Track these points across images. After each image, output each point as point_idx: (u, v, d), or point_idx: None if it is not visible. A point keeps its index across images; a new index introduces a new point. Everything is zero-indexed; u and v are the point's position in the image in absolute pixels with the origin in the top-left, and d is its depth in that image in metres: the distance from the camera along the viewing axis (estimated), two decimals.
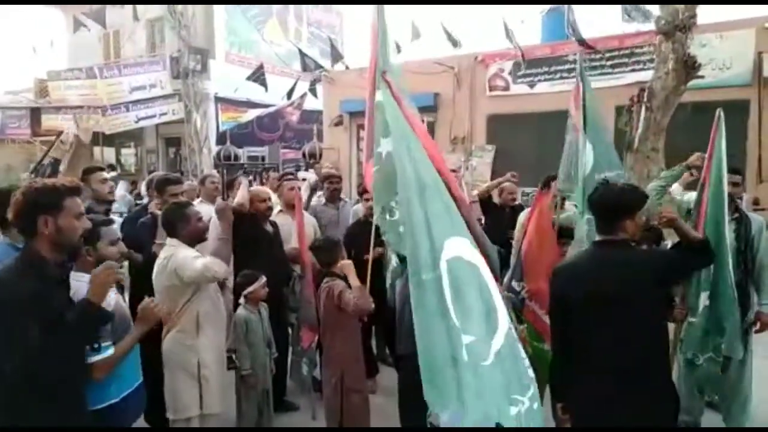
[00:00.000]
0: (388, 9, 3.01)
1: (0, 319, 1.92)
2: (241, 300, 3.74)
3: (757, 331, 3.61)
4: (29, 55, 25.04)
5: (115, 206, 8.61)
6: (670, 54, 5.76)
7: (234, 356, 3.65)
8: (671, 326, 3.22)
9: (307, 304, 3.86)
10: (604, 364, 2.34)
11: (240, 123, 15.64)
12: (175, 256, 3.04)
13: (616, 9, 9.27)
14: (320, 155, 11.67)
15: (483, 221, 5.47)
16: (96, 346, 2.24)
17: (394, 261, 3.42)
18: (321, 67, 13.38)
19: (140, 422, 2.87)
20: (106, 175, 4.17)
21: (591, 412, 2.38)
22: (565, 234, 3.75)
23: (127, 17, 15.65)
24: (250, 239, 3.90)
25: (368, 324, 4.13)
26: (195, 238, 3.19)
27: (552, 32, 10.95)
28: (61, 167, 15.35)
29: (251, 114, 15.56)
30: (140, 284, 3.45)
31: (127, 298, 3.18)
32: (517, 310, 3.48)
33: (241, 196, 4.05)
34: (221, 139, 14.66)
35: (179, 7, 15.56)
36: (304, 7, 19.32)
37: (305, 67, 13.04)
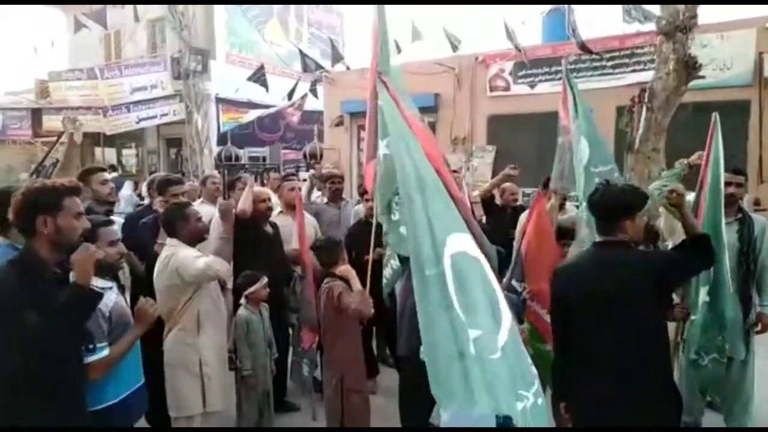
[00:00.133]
0: (389, 9, 3.02)
1: None
2: (242, 300, 3.74)
3: (758, 332, 3.60)
4: (30, 56, 25.04)
5: (120, 206, 8.56)
6: (670, 54, 5.74)
7: (235, 357, 3.65)
8: (672, 326, 3.22)
9: (308, 304, 3.86)
10: (605, 364, 2.35)
11: (241, 124, 15.65)
12: (176, 256, 3.05)
13: (617, 9, 9.25)
14: (321, 156, 11.65)
15: (485, 221, 5.47)
16: (91, 346, 2.23)
17: (393, 264, 3.40)
18: (321, 67, 13.36)
19: (141, 422, 2.87)
20: (107, 176, 4.11)
21: (591, 412, 2.38)
22: (565, 235, 3.74)
23: (128, 18, 15.64)
24: (250, 240, 3.89)
25: (369, 325, 4.12)
26: (195, 237, 3.20)
27: (553, 33, 10.93)
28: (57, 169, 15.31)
29: (252, 115, 15.55)
30: (140, 284, 3.44)
31: (128, 299, 3.17)
32: (518, 310, 3.47)
33: (243, 202, 4.03)
34: (222, 139, 14.65)
35: (180, 8, 15.56)
36: (304, 7, 19.33)
37: (306, 68, 13.02)
